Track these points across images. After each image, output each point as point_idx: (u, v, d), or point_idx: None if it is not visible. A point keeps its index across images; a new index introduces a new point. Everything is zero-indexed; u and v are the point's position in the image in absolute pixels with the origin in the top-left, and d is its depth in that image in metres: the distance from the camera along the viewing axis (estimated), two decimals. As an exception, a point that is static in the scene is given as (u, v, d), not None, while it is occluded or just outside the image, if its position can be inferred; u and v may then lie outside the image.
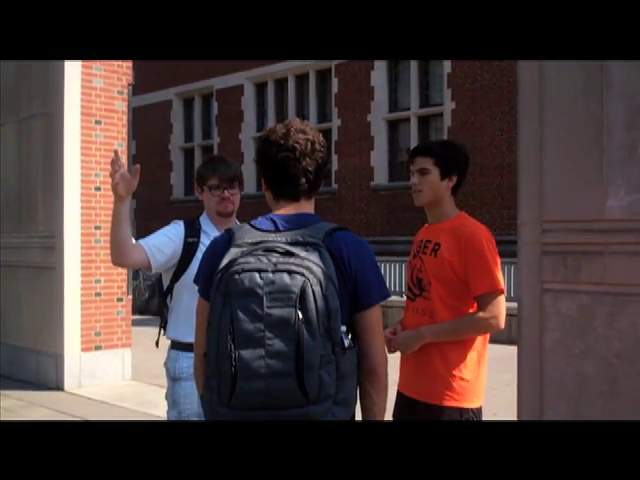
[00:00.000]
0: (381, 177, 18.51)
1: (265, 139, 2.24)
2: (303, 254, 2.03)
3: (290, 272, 1.97)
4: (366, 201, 18.75)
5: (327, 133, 19.91)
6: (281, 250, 2.03)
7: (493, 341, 7.37)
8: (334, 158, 19.57)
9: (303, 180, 2.21)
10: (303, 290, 1.95)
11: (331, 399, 1.98)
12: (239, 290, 1.97)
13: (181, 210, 18.78)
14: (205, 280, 2.18)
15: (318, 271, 2.00)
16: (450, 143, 3.23)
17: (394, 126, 18.90)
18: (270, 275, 1.97)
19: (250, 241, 2.09)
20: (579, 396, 3.08)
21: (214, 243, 2.25)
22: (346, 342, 2.05)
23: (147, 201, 21.79)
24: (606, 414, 2.99)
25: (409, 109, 18.35)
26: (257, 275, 1.97)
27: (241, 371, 1.94)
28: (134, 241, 3.19)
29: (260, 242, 2.08)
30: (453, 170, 3.04)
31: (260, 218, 2.22)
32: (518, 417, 3.30)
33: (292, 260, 2.00)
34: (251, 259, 2.02)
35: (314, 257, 2.03)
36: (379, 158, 18.59)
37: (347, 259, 2.13)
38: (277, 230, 2.15)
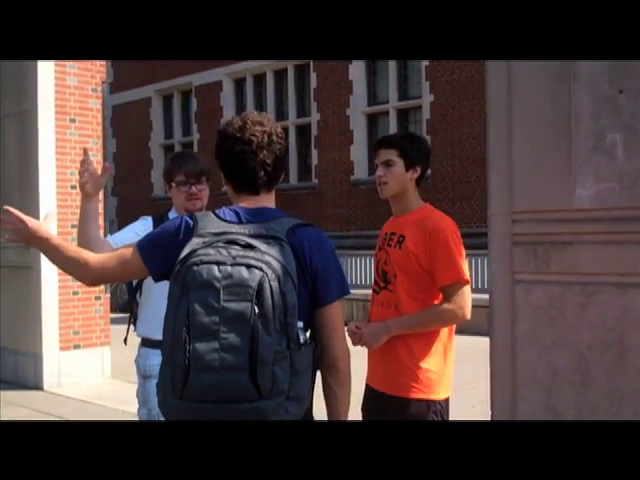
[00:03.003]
0: (361, 171, 18.50)
1: (222, 132, 2.23)
2: (264, 248, 2.02)
3: (249, 266, 1.97)
4: (346, 195, 18.74)
5: (306, 128, 19.90)
6: (242, 242, 2.03)
7: (472, 333, 7.40)
8: (314, 153, 19.55)
9: (262, 173, 2.20)
10: (260, 285, 1.95)
11: (284, 395, 1.97)
12: (197, 282, 1.98)
13: (162, 207, 18.46)
14: (151, 242, 2.22)
15: (277, 266, 1.99)
16: (413, 135, 3.27)
17: (373, 120, 18.90)
18: (228, 268, 1.97)
19: (213, 231, 2.09)
20: (551, 387, 3.08)
21: (179, 222, 2.22)
22: (302, 338, 2.04)
23: (128, 199, 21.68)
24: (578, 405, 2.99)
25: (388, 102, 18.35)
26: (215, 268, 1.97)
27: (194, 363, 1.94)
28: (102, 238, 3.16)
29: (222, 233, 2.07)
30: (417, 161, 3.06)
31: (224, 208, 2.21)
32: (491, 409, 3.30)
33: (252, 254, 1.99)
34: (211, 251, 2.01)
35: (274, 251, 2.02)
36: (359, 152, 18.58)
37: (308, 256, 2.13)
38: (240, 222, 2.14)
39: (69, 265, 2.27)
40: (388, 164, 3.06)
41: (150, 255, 2.21)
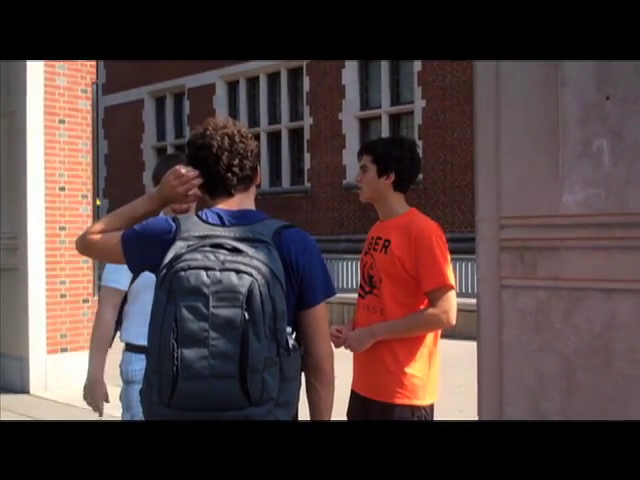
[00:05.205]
0: (353, 175, 18.31)
1: (188, 142, 2.25)
2: (251, 252, 1.99)
3: (238, 271, 1.94)
4: (339, 199, 18.73)
5: (299, 131, 19.91)
6: (229, 246, 2.00)
7: (463, 337, 7.37)
8: (306, 156, 19.55)
9: (229, 175, 2.19)
10: (250, 291, 1.92)
11: (273, 401, 1.95)
12: (184, 288, 1.94)
13: (152, 210, 18.58)
14: (133, 238, 2.19)
15: (266, 271, 1.96)
16: (393, 140, 3.25)
17: (365, 124, 18.90)
18: (217, 274, 1.93)
19: (197, 234, 2.06)
20: (538, 392, 3.07)
21: (162, 223, 2.20)
22: (291, 343, 2.03)
23: (119, 201, 21.57)
24: (564, 410, 2.99)
25: (380, 107, 18.36)
26: (204, 273, 1.94)
27: (183, 371, 1.90)
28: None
29: (207, 236, 2.04)
30: (390, 167, 3.04)
31: (206, 210, 2.19)
32: (478, 413, 3.30)
33: (240, 259, 1.96)
34: (198, 256, 1.98)
35: (262, 256, 2.00)
36: (351, 156, 18.54)
37: (295, 258, 2.11)
38: (223, 225, 2.12)
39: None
40: (363, 169, 3.08)
41: (130, 249, 2.20)
